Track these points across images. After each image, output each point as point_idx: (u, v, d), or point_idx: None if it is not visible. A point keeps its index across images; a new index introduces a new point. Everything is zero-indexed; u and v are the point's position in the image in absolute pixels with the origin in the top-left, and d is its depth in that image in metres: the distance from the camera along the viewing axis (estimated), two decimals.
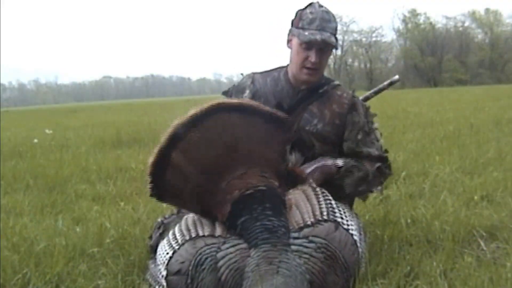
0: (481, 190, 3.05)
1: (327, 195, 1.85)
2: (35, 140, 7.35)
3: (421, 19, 53.49)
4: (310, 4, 2.02)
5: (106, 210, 3.05)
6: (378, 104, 13.04)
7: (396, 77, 2.55)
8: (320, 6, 2.00)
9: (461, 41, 51.18)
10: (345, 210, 1.88)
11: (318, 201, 1.80)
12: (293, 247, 1.64)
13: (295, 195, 1.84)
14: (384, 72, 54.01)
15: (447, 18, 53.51)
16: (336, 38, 2.00)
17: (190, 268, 1.64)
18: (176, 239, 1.78)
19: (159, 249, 1.85)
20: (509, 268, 1.86)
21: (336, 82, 2.12)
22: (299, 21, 2.00)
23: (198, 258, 1.64)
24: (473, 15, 52.74)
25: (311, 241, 1.66)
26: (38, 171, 4.53)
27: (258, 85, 2.10)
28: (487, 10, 52.70)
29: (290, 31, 2.04)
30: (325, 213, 1.74)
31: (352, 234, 1.75)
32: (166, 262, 1.73)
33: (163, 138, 1.74)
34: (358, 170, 2.02)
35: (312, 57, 1.96)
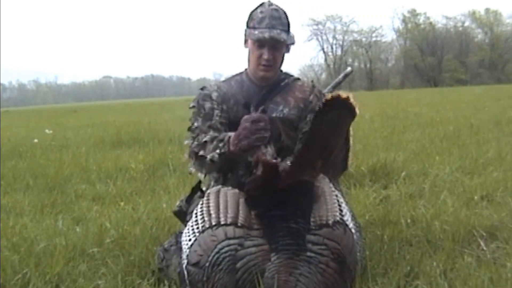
0: (481, 190, 3.05)
1: (335, 187, 1.86)
2: (35, 140, 7.35)
3: (421, 19, 53.52)
4: (261, 4, 2.09)
5: (106, 210, 3.05)
6: (378, 104, 13.08)
7: (349, 69, 2.58)
8: (270, 4, 2.07)
9: (461, 41, 51.18)
10: (344, 203, 1.86)
11: (336, 196, 1.80)
12: (309, 253, 1.59)
13: (323, 184, 1.81)
14: (384, 72, 54.09)
15: (447, 18, 53.56)
16: (288, 33, 2.06)
17: (207, 265, 1.60)
18: (197, 223, 1.76)
19: (183, 235, 1.83)
20: (509, 268, 1.86)
21: (296, 76, 2.23)
22: (250, 21, 2.07)
23: (216, 257, 1.60)
24: (473, 15, 52.74)
25: (326, 247, 1.61)
26: (38, 171, 4.53)
27: (224, 89, 2.15)
28: (487, 10, 52.69)
29: (245, 31, 2.10)
30: (337, 213, 1.73)
31: (352, 233, 1.75)
32: (187, 251, 1.71)
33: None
34: None
35: (265, 54, 2.05)
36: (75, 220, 2.92)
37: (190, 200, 2.17)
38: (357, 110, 1.71)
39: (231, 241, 1.62)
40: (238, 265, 1.58)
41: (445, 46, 50.60)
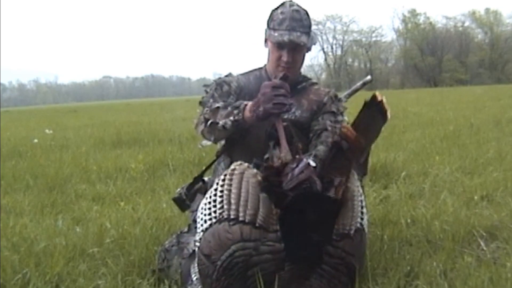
0: (481, 190, 3.05)
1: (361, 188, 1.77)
2: (35, 140, 7.35)
3: (421, 19, 53.59)
4: (282, 4, 2.05)
5: (106, 210, 3.06)
6: None
7: (368, 77, 2.58)
8: (291, 5, 2.03)
9: (461, 41, 51.22)
10: (365, 205, 1.78)
11: (361, 196, 1.72)
12: (324, 266, 1.55)
13: (352, 183, 1.69)
14: (384, 72, 54.09)
15: (447, 18, 53.69)
16: (309, 35, 2.03)
17: (219, 263, 1.56)
18: (215, 206, 1.65)
19: (198, 210, 1.73)
20: (509, 268, 1.86)
21: (314, 80, 2.22)
22: (271, 21, 2.05)
23: (229, 260, 1.55)
24: (473, 15, 52.80)
25: (342, 261, 1.58)
26: (38, 171, 4.53)
27: (242, 83, 2.13)
28: (487, 10, 52.78)
29: (265, 31, 2.09)
30: (359, 218, 1.66)
31: (366, 237, 1.73)
32: (200, 234, 1.66)
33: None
34: None
35: (285, 57, 2.02)
36: (75, 220, 2.92)
37: (191, 188, 2.13)
38: (388, 114, 1.64)
39: (247, 244, 1.56)
40: (249, 273, 1.54)
41: (445, 46, 50.64)
